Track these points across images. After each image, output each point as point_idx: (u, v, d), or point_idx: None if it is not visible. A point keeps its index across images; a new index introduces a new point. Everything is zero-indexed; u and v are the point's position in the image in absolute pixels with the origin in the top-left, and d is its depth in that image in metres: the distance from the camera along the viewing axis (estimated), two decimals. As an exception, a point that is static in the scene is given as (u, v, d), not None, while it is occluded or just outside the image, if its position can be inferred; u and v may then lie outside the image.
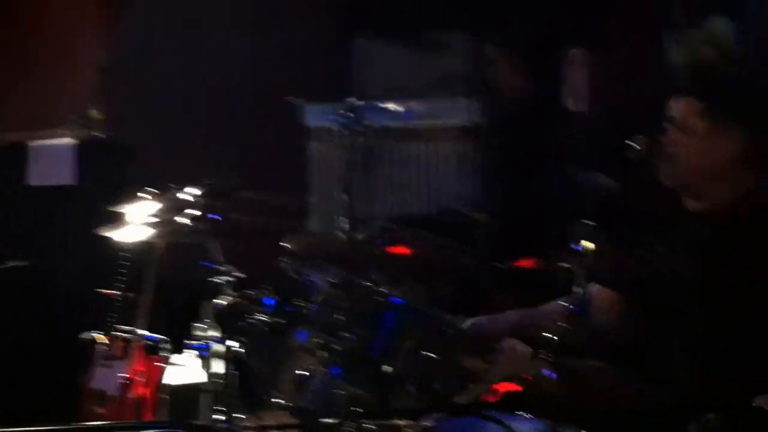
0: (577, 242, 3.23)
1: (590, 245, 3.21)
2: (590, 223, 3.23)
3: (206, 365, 4.13)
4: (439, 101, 5.59)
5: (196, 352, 4.28)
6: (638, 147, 3.60)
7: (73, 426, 4.27)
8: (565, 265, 3.28)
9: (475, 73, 5.92)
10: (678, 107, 3.56)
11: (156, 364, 4.71)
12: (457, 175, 5.50)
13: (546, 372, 3.21)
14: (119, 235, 4.43)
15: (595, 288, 3.54)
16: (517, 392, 3.47)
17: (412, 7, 6.25)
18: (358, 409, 3.55)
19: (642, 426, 3.20)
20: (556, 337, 3.20)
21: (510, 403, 3.43)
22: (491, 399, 3.51)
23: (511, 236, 4.56)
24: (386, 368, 3.65)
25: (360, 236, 4.30)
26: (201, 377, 4.19)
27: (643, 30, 5.79)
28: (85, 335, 4.84)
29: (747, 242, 3.36)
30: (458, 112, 5.57)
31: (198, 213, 4.19)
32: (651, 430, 3.19)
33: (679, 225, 3.56)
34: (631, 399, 3.27)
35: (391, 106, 5.23)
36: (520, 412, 3.36)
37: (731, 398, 3.09)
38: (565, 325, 3.22)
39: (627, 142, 3.56)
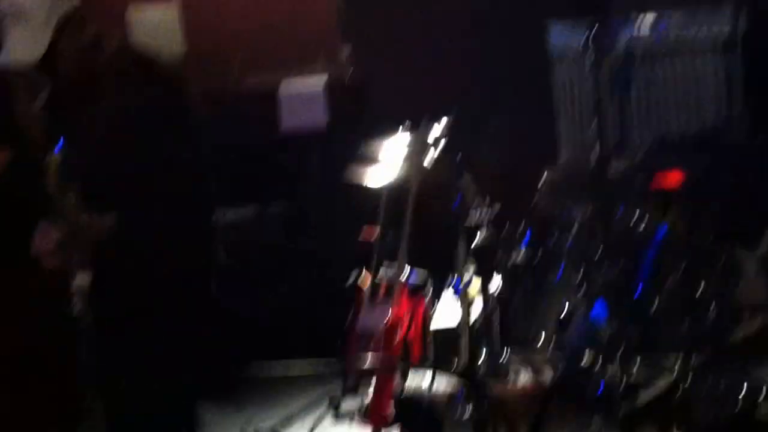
0: None
1: None
2: None
3: (466, 305, 4.05)
4: (698, 10, 5.12)
5: (457, 293, 4.22)
6: None
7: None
8: None
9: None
10: None
11: (420, 305, 4.68)
12: (722, 94, 5.07)
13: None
14: (372, 176, 4.41)
15: None
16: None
17: None
18: (620, 347, 3.36)
19: None
20: None
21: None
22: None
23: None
24: (651, 303, 3.44)
25: (620, 169, 4.04)
26: (462, 318, 4.12)
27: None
28: (349, 279, 4.86)
29: None
30: (721, 20, 5.09)
31: (448, 148, 4.09)
32: None
33: None
34: None
35: (645, 18, 4.88)
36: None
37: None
38: None
39: None
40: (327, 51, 6.02)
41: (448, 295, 4.46)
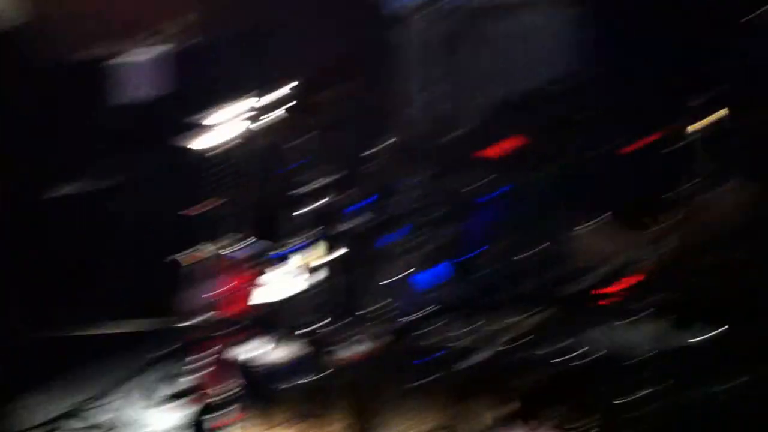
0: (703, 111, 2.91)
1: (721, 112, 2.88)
2: (722, 87, 2.88)
3: (306, 272, 3.97)
4: None
5: (294, 261, 4.13)
6: None
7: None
8: (691, 134, 2.95)
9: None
10: None
11: (258, 273, 4.58)
12: (556, 52, 5.09)
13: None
14: (212, 140, 4.29)
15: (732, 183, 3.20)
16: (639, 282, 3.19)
17: None
18: (460, 306, 3.32)
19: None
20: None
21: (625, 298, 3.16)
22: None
23: (624, 114, 4.19)
24: (489, 264, 3.41)
25: (458, 133, 4.02)
26: (300, 286, 4.03)
27: None
28: (183, 252, 4.73)
29: None
30: None
31: (288, 112, 4.00)
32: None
33: None
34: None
35: None
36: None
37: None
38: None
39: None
40: (167, 20, 5.85)
41: (289, 262, 4.37)
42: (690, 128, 3.00)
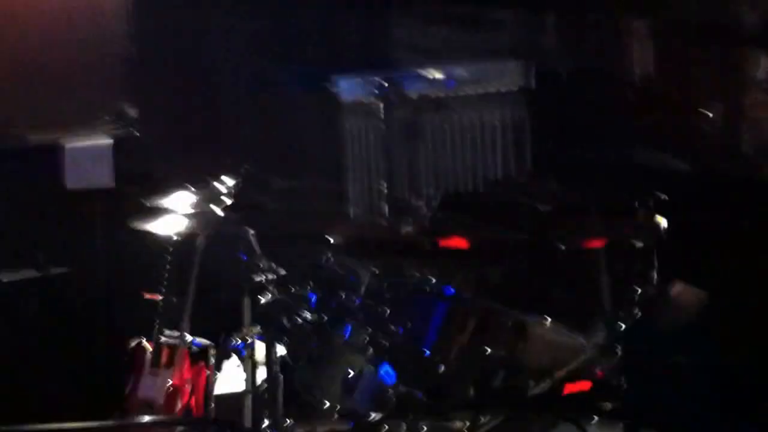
0: (647, 218, 2.91)
1: (662, 220, 2.88)
2: (662, 196, 2.89)
3: (250, 368, 3.90)
4: (484, 66, 5.20)
5: (240, 356, 4.07)
6: (710, 114, 3.33)
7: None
8: (637, 243, 2.95)
9: (522, 40, 5.69)
10: (765, 66, 3.27)
11: (202, 371, 4.51)
12: (508, 146, 5.13)
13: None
14: (157, 228, 4.24)
15: (677, 287, 3.20)
16: (584, 390, 3.15)
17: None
18: (409, 409, 3.26)
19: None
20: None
21: (576, 401, 3.12)
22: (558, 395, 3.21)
23: (572, 214, 4.21)
24: (438, 363, 3.36)
25: (409, 228, 3.99)
26: (246, 383, 3.96)
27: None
28: (130, 342, 4.66)
29: None
30: (506, 77, 5.17)
31: (233, 202, 3.97)
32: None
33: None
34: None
35: (432, 73, 4.89)
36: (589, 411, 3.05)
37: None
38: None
39: (699, 109, 3.30)
40: (112, 109, 5.83)
41: (233, 359, 4.31)
42: (635, 230, 2.98)
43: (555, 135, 5.17)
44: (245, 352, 3.96)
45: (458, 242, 3.76)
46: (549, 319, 3.69)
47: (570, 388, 3.17)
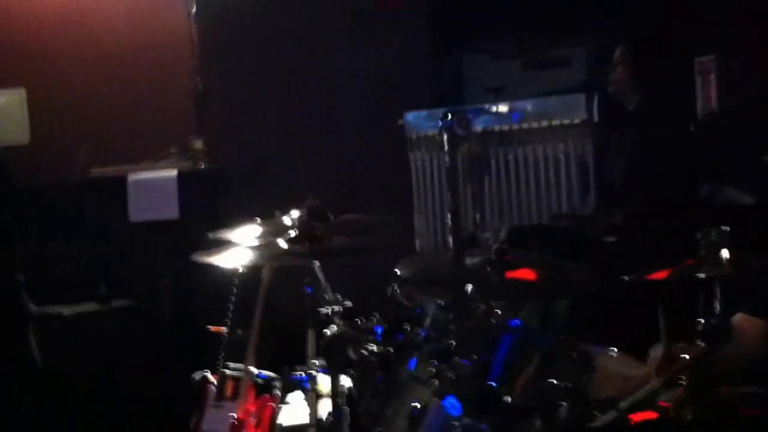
0: (713, 251, 2.87)
1: (727, 254, 2.85)
2: (726, 229, 2.87)
3: (315, 401, 3.90)
4: (549, 100, 5.25)
5: (304, 389, 4.07)
6: None
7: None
8: (702, 275, 2.92)
9: (589, 77, 5.77)
10: None
11: (267, 403, 4.52)
12: (575, 180, 5.15)
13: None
14: (221, 261, 4.27)
15: (739, 317, 3.17)
16: (651, 421, 3.11)
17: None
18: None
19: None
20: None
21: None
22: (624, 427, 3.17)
23: (638, 246, 4.20)
24: (505, 397, 3.33)
25: (476, 260, 3.98)
26: (311, 416, 3.96)
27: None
28: (195, 375, 4.68)
29: None
30: (572, 110, 5.21)
31: (299, 235, 3.98)
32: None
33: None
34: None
35: (499, 108, 4.94)
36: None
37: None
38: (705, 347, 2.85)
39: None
40: (179, 141, 5.90)
41: (299, 392, 4.31)
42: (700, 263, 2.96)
43: (621, 168, 5.17)
44: (309, 385, 3.96)
45: (526, 274, 3.74)
46: (615, 350, 3.68)
47: (636, 419, 3.13)
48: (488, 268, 3.76)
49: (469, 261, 3.93)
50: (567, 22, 6.18)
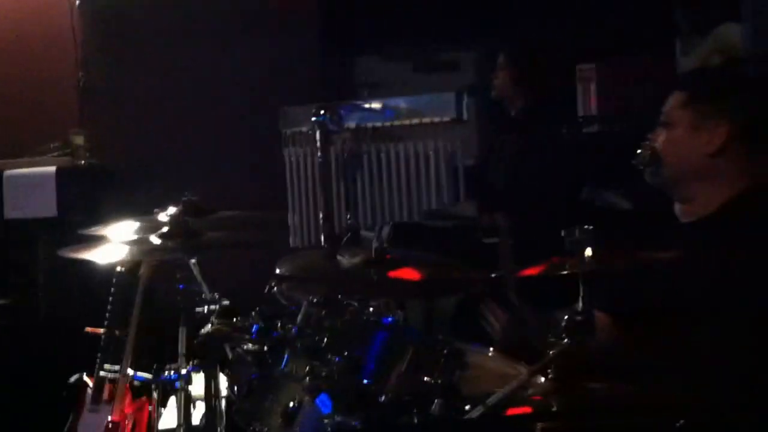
0: (576, 249, 2.92)
1: (590, 252, 2.90)
2: (589, 228, 2.92)
3: (183, 401, 3.84)
4: (421, 98, 5.35)
5: (181, 389, 4.01)
6: (642, 152, 3.47)
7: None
8: (567, 271, 2.97)
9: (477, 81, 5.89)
10: (666, 104, 3.43)
11: (144, 405, 4.45)
12: (449, 177, 5.23)
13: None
14: (99, 258, 4.19)
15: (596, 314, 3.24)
16: (525, 414, 3.13)
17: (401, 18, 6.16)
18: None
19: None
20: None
21: (517, 427, 3.10)
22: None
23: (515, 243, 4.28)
24: (378, 393, 3.32)
25: (356, 259, 3.97)
26: (181, 417, 3.90)
27: (651, 39, 5.67)
28: (72, 378, 4.60)
29: (736, 243, 3.13)
30: (442, 109, 5.31)
31: (175, 231, 3.92)
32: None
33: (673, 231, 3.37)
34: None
35: (372, 104, 4.99)
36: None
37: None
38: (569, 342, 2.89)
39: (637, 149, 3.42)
40: (60, 136, 5.79)
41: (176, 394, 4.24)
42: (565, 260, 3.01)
43: (503, 171, 5.26)
44: (178, 385, 3.90)
45: (408, 273, 3.74)
46: (492, 349, 3.71)
47: (512, 412, 3.16)
48: (369, 268, 3.75)
49: (349, 260, 3.92)
50: (457, 26, 6.27)
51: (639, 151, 3.45)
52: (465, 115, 5.24)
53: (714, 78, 3.83)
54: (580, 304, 2.88)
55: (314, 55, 5.97)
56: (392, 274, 3.72)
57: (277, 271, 3.92)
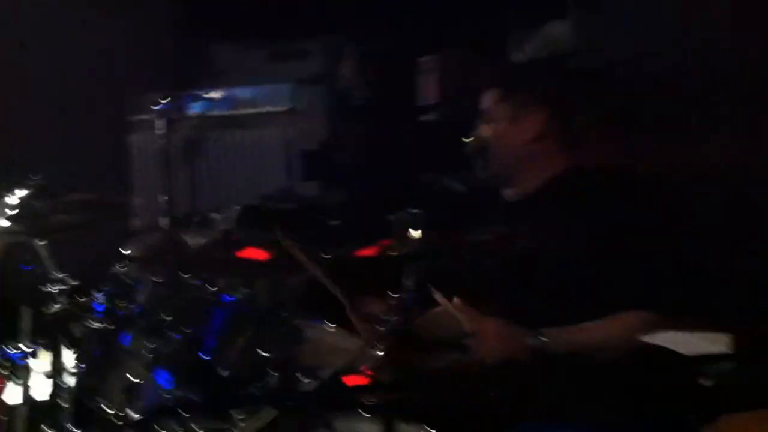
0: (403, 230, 3.10)
1: (416, 234, 3.08)
2: (415, 211, 3.10)
3: (27, 380, 3.90)
4: (261, 88, 5.54)
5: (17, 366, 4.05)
6: (468, 143, 3.66)
7: None
8: (395, 253, 3.14)
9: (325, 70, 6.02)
10: (486, 98, 3.64)
11: None
12: (284, 163, 5.41)
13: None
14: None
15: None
16: (362, 386, 3.32)
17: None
18: (186, 411, 3.35)
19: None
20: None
21: (352, 398, 3.28)
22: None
23: (348, 225, 4.46)
24: (220, 368, 3.48)
25: (203, 241, 4.09)
26: (24, 394, 3.96)
27: (487, 34, 5.89)
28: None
29: (554, 219, 3.35)
30: (279, 99, 5.51)
31: (21, 213, 3.96)
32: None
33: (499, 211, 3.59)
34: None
35: (213, 94, 5.12)
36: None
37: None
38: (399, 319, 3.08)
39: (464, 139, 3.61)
40: None
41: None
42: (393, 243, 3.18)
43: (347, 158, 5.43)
44: (22, 363, 3.96)
45: (256, 253, 3.87)
46: (333, 325, 3.88)
47: (348, 382, 3.35)
48: (215, 248, 3.88)
49: (196, 241, 4.05)
50: (309, 15, 6.39)
51: (466, 140, 3.67)
52: (300, 106, 5.44)
53: (530, 70, 4.04)
54: (407, 283, 3.06)
55: (168, 43, 6.02)
56: (240, 254, 3.86)
57: (122, 251, 4.03)
